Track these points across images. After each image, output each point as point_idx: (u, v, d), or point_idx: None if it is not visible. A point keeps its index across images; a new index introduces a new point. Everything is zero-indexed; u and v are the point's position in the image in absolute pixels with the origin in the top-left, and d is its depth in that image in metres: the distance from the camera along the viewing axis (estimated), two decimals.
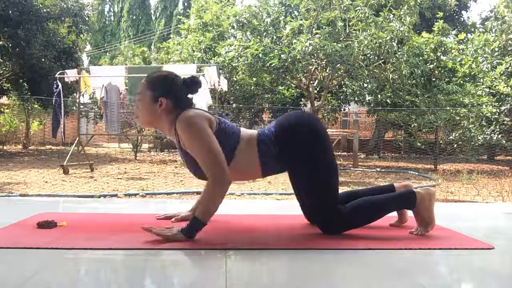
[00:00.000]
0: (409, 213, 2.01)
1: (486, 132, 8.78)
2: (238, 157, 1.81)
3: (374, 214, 1.88)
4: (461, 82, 9.38)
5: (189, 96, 1.87)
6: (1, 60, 10.80)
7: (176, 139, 1.81)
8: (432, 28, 9.57)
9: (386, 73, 8.15)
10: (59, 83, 6.97)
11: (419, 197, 1.84)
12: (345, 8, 7.79)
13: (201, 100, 6.68)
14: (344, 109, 13.29)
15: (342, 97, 11.78)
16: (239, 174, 1.87)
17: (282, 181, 5.96)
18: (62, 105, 7.09)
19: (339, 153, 13.48)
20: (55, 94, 6.99)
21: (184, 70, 7.19)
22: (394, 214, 2.02)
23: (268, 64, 7.88)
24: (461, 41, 10.83)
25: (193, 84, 1.85)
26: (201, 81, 1.91)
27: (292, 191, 2.04)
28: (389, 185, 2.03)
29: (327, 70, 8.66)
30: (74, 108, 10.86)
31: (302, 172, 1.83)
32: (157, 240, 1.67)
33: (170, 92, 1.81)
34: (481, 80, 9.62)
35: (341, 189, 1.92)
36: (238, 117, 11.62)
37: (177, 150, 1.94)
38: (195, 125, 1.72)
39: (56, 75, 7.16)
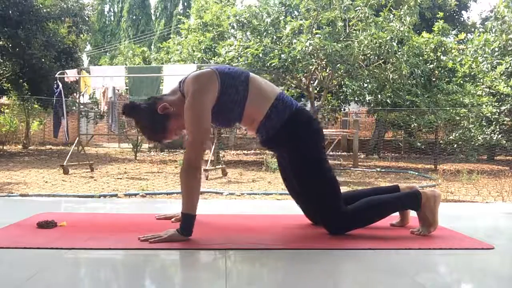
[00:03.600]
0: (410, 213, 2.02)
1: (486, 132, 8.78)
2: (250, 100, 1.79)
3: (380, 213, 1.88)
4: (461, 82, 9.37)
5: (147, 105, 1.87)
6: (1, 60, 10.80)
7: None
8: (432, 28, 9.57)
9: (386, 73, 8.15)
10: (60, 83, 6.98)
11: (425, 197, 1.84)
12: (345, 8, 7.78)
13: None
14: (344, 109, 13.29)
15: (342, 97, 11.77)
16: (245, 120, 1.85)
17: (282, 181, 5.95)
18: (64, 105, 7.10)
19: (339, 153, 13.48)
20: (56, 94, 7.00)
21: (184, 70, 7.20)
22: (395, 214, 2.02)
23: (268, 64, 7.88)
24: (461, 41, 10.83)
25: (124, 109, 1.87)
26: (125, 105, 1.91)
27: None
28: (393, 186, 2.03)
29: (327, 70, 8.66)
30: (74, 108, 10.86)
31: (297, 161, 1.84)
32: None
33: (154, 102, 1.83)
34: (481, 80, 9.61)
35: (342, 190, 1.92)
36: None
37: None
38: (200, 91, 1.72)
39: (56, 75, 7.16)
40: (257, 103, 1.80)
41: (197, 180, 1.71)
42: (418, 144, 9.57)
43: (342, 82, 10.20)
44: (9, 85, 11.66)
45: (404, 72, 7.98)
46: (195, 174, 1.70)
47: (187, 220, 1.69)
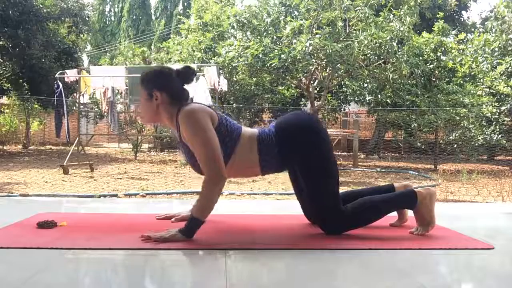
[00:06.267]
0: (409, 212, 2.02)
1: (486, 132, 8.77)
2: (238, 155, 1.81)
3: (375, 213, 1.88)
4: (461, 82, 9.37)
5: (185, 87, 1.87)
6: (1, 60, 10.79)
7: (177, 132, 1.82)
8: (432, 28, 9.56)
9: (386, 73, 8.15)
10: (60, 83, 6.98)
11: (420, 196, 1.83)
12: (345, 8, 7.78)
13: (201, 100, 6.70)
14: (344, 109, 13.29)
15: (342, 97, 11.77)
16: (238, 171, 1.87)
17: (282, 181, 5.95)
18: (65, 105, 7.11)
19: (339, 153, 13.48)
20: (57, 94, 7.00)
21: None
22: (394, 214, 2.02)
23: (268, 64, 7.88)
24: (461, 41, 10.81)
25: (187, 74, 1.85)
26: (195, 70, 1.90)
27: (292, 191, 2.05)
28: (389, 185, 2.03)
29: (327, 70, 8.66)
30: (74, 108, 10.85)
31: (303, 172, 1.84)
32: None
33: (163, 85, 1.82)
34: (481, 80, 9.61)
35: (341, 189, 1.92)
36: (238, 117, 11.60)
37: (178, 145, 1.96)
38: (197, 119, 1.72)
39: (56, 75, 7.16)
40: (245, 154, 1.81)
41: (219, 192, 1.74)
42: (418, 144, 9.57)
43: (342, 82, 10.19)
44: (9, 85, 11.65)
45: (404, 72, 7.98)
46: (220, 186, 1.73)
47: (194, 224, 1.69)
